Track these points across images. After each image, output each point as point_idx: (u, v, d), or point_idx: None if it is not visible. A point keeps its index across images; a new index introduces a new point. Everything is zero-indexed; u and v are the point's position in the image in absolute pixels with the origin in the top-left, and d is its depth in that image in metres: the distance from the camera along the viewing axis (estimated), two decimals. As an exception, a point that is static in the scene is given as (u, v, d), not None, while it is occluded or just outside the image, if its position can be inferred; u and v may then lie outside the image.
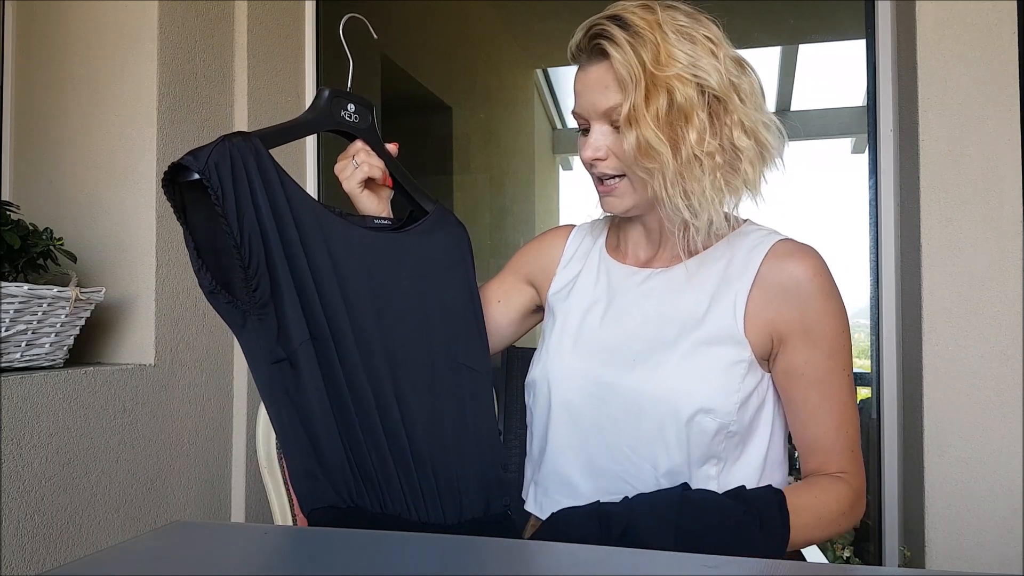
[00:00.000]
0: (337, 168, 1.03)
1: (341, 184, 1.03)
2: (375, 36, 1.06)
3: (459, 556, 0.69)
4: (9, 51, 1.67)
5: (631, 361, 0.94)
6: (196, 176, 0.81)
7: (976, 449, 1.44)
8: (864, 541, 1.75)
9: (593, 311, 1.02)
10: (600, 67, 0.92)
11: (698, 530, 0.82)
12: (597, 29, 0.91)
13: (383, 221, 1.02)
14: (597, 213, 1.05)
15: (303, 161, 2.01)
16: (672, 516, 0.83)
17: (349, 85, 1.01)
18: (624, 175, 0.94)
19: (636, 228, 1.03)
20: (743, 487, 0.89)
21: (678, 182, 0.89)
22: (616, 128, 0.92)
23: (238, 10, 1.78)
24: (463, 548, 0.72)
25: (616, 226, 1.09)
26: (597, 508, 0.87)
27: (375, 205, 1.04)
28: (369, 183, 1.03)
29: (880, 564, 1.66)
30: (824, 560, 1.63)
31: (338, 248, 0.93)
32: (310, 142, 2.01)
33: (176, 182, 0.83)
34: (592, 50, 0.92)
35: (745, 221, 1.00)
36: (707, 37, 0.90)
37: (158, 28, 1.54)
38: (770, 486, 0.90)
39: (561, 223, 1.17)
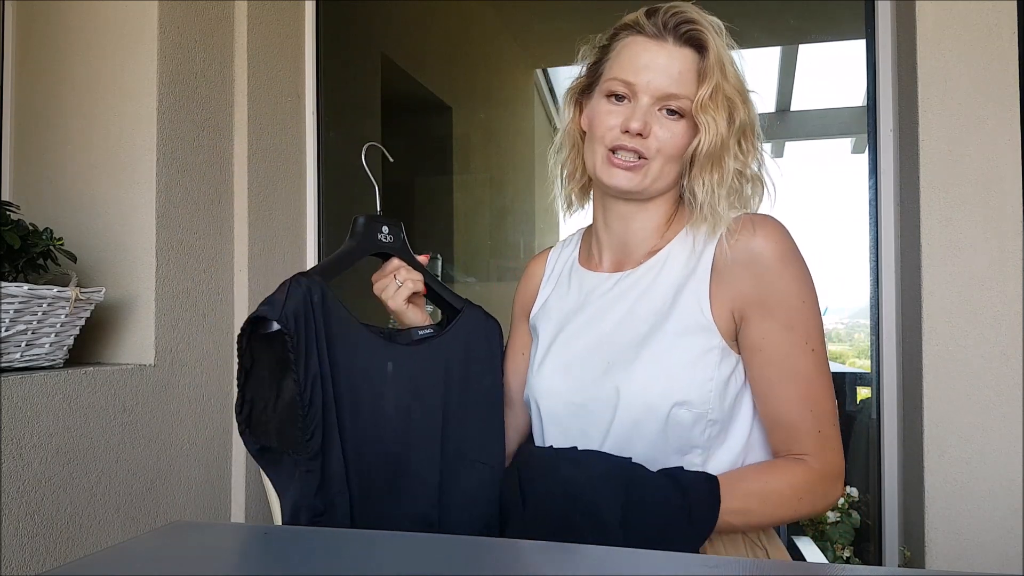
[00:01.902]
0: (378, 288, 1.07)
1: (385, 303, 1.06)
2: (391, 160, 1.14)
3: (459, 556, 0.69)
4: (9, 51, 1.67)
5: (606, 365, 0.95)
6: (273, 328, 0.84)
7: (976, 449, 1.44)
8: (864, 541, 1.75)
9: (568, 323, 1.03)
10: (684, 52, 0.93)
11: (639, 506, 0.84)
12: (695, 17, 0.93)
13: (427, 331, 1.05)
14: (572, 220, 1.09)
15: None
16: (622, 491, 0.85)
17: (379, 208, 1.08)
18: (646, 159, 0.94)
19: (614, 232, 1.03)
20: (681, 468, 0.89)
21: (715, 187, 0.93)
22: (667, 113, 0.94)
23: (238, 10, 1.78)
24: (463, 548, 0.72)
25: (588, 237, 1.10)
26: (563, 477, 0.88)
27: (419, 316, 1.08)
28: (411, 296, 1.07)
29: (880, 564, 1.66)
30: (824, 560, 1.63)
31: (382, 376, 0.97)
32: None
33: (252, 334, 0.85)
34: (680, 35, 0.93)
35: None
36: (743, 71, 0.97)
37: (158, 28, 1.54)
38: (704, 472, 0.89)
39: (560, 224, 1.18)
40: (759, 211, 0.97)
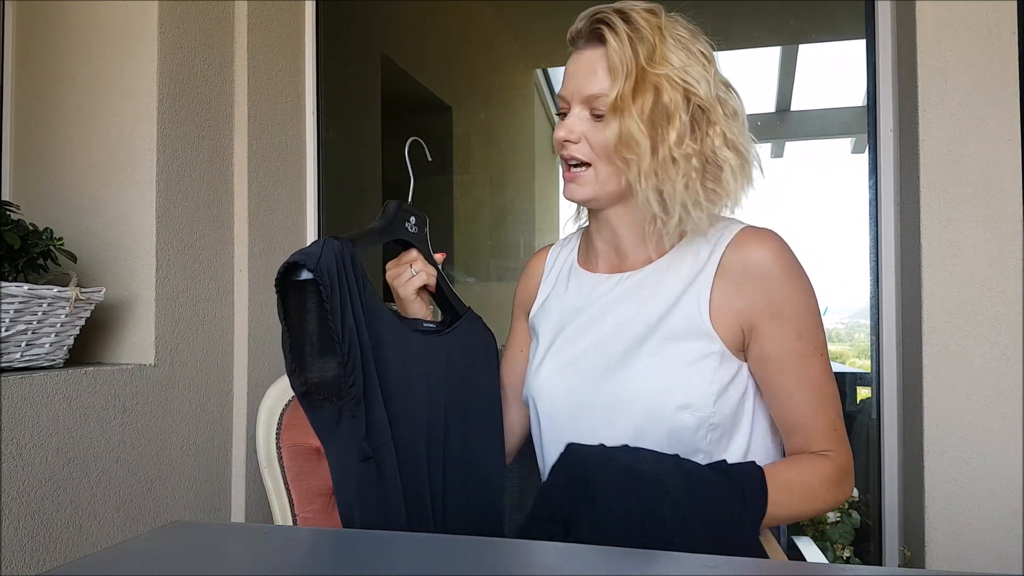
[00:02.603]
0: (391, 275, 1.08)
1: (396, 289, 1.08)
2: (429, 159, 1.17)
3: (459, 556, 0.69)
4: (9, 51, 1.67)
5: (605, 367, 0.95)
6: (306, 276, 0.86)
7: (976, 449, 1.44)
8: (864, 541, 1.75)
9: (568, 324, 1.03)
10: (594, 52, 0.94)
11: (693, 483, 0.83)
12: (600, 16, 0.93)
13: (430, 325, 1.07)
14: (571, 227, 1.10)
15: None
16: (676, 469, 0.84)
17: (410, 198, 1.11)
18: (590, 164, 0.95)
19: (604, 236, 1.03)
20: (724, 461, 0.89)
21: (652, 178, 0.91)
22: (596, 117, 0.94)
23: (238, 10, 1.78)
24: (463, 548, 0.72)
25: (587, 237, 1.10)
26: (623, 463, 0.85)
27: (423, 309, 1.09)
28: (420, 289, 1.08)
29: (880, 564, 1.66)
30: (824, 560, 1.63)
31: (400, 350, 0.98)
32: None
33: (286, 280, 0.88)
34: (590, 35, 0.94)
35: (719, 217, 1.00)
36: (702, 52, 0.93)
37: (158, 28, 1.54)
38: (752, 462, 0.90)
39: (561, 223, 1.18)
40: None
